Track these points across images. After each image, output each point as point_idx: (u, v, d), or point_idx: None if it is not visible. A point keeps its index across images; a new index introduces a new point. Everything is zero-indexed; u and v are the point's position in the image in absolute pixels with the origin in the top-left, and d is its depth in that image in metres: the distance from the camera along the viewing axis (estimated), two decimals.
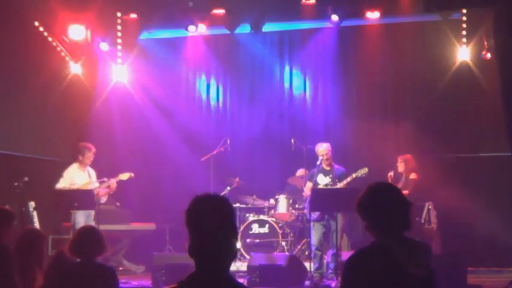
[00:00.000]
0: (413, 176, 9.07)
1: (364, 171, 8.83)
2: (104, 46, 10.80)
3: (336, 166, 9.03)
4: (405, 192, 8.88)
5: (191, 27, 10.35)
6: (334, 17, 9.88)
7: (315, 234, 8.58)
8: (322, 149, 8.91)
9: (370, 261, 2.99)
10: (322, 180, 8.85)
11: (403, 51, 10.59)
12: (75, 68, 10.88)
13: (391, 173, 9.15)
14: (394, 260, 2.92)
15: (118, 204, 10.31)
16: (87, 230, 4.76)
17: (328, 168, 8.89)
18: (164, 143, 11.23)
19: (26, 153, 9.98)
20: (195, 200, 2.52)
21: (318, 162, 8.86)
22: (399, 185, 9.00)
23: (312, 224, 8.61)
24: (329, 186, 8.78)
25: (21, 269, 4.80)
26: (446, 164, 9.82)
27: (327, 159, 8.83)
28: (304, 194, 9.16)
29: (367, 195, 3.11)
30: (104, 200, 9.34)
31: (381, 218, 3.05)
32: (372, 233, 3.09)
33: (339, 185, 8.72)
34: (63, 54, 10.63)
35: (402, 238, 3.04)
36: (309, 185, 8.94)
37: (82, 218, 8.78)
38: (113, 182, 9.13)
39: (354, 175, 8.80)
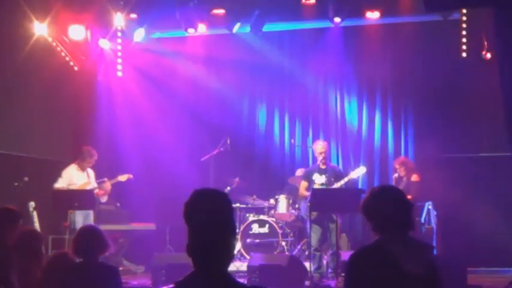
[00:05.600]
0: (414, 177, 9.00)
1: (361, 171, 8.80)
2: (103, 43, 10.76)
3: (331, 165, 9.01)
4: (409, 196, 8.87)
5: (190, 30, 10.33)
6: (337, 19, 9.88)
7: (313, 235, 8.56)
8: (320, 146, 8.90)
9: (370, 260, 3.11)
10: (318, 179, 8.84)
11: (403, 51, 10.59)
12: (75, 68, 10.88)
13: (395, 175, 9.14)
14: (392, 258, 3.01)
15: (118, 204, 10.31)
16: (90, 230, 4.76)
17: (323, 167, 8.87)
18: (164, 143, 11.22)
19: (26, 153, 9.98)
20: (193, 193, 2.50)
21: (319, 163, 8.86)
22: (400, 188, 8.99)
23: (309, 224, 8.59)
24: (325, 186, 8.76)
25: (20, 269, 4.79)
26: (446, 164, 9.81)
27: (324, 158, 8.82)
28: (299, 193, 9.14)
29: (371, 197, 3.24)
30: (104, 199, 9.36)
31: (384, 219, 3.17)
32: (376, 234, 3.21)
33: (336, 185, 8.71)
34: (63, 54, 10.62)
35: (405, 238, 3.14)
36: (304, 184, 8.94)
37: (80, 218, 8.79)
38: (108, 184, 9.16)
39: (351, 175, 8.78)
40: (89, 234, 4.60)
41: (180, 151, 11.16)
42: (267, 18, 10.27)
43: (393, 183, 8.99)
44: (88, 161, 9.22)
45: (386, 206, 3.17)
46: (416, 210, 9.11)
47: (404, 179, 9.13)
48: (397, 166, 9.22)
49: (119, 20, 10.37)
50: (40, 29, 10.05)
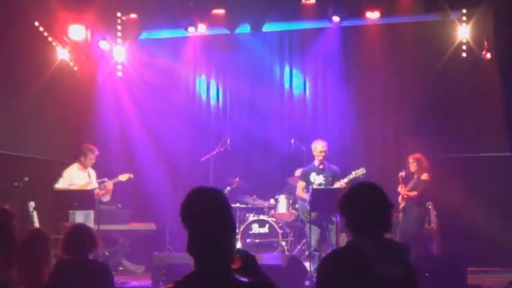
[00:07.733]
0: (424, 176, 8.89)
1: (361, 171, 8.73)
2: (104, 44, 10.78)
3: (329, 165, 8.97)
4: (414, 193, 8.82)
5: (191, 29, 10.35)
6: (336, 18, 9.88)
7: (312, 235, 8.54)
8: (320, 145, 8.83)
9: (342, 262, 2.94)
10: (316, 180, 8.81)
11: (403, 51, 10.59)
12: (75, 68, 10.89)
13: (402, 173, 8.97)
14: (365, 261, 2.85)
15: (120, 205, 10.31)
16: (77, 228, 4.79)
17: (321, 167, 8.83)
18: (164, 143, 11.23)
19: (26, 153, 9.97)
20: (189, 193, 2.48)
21: (317, 163, 8.82)
22: (409, 185, 8.93)
23: (308, 225, 8.57)
24: (323, 186, 8.74)
25: (28, 269, 4.79)
26: (446, 164, 9.80)
27: (323, 157, 8.79)
28: (297, 194, 9.11)
29: (348, 194, 3.07)
30: (106, 199, 9.33)
31: (358, 218, 3.01)
32: (350, 232, 3.05)
33: (336, 185, 8.66)
34: (63, 54, 10.62)
35: (380, 239, 2.96)
36: (302, 184, 8.91)
37: (81, 218, 8.76)
38: (109, 184, 9.15)
39: (351, 176, 8.72)
40: (76, 232, 4.63)
41: (180, 151, 11.17)
42: (267, 18, 10.28)
43: (399, 181, 8.91)
44: (89, 157, 9.16)
45: (361, 204, 3.00)
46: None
47: (415, 176, 9.00)
48: (411, 160, 8.98)
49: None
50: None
